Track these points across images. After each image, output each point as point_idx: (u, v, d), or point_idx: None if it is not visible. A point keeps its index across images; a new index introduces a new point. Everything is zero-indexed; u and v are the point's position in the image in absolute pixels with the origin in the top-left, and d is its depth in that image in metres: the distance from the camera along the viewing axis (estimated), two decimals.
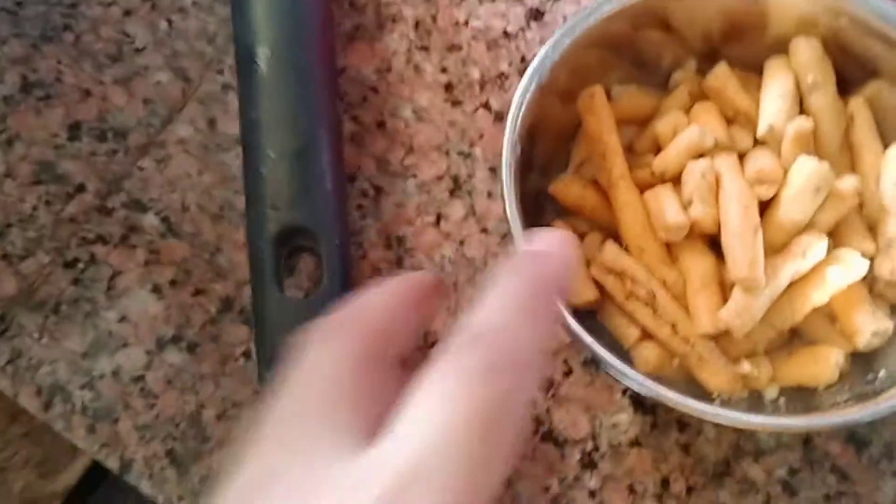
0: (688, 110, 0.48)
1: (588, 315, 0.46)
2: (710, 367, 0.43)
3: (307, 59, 0.48)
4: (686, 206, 0.44)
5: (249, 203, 0.47)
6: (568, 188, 0.47)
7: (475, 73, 0.54)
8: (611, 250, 0.45)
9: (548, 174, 0.47)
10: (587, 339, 0.38)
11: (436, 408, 0.24)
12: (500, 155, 0.41)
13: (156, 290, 0.49)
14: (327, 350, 0.28)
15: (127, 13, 0.55)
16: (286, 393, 0.27)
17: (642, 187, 0.46)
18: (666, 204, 0.44)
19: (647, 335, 0.45)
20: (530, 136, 0.44)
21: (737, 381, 0.44)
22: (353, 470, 0.24)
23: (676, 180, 0.46)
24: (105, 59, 0.54)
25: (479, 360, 0.25)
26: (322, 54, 0.49)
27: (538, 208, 0.46)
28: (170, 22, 0.55)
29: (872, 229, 0.46)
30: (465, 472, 0.23)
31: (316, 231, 0.46)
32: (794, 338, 0.46)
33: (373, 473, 0.23)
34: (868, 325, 0.44)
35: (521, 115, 0.42)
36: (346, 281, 0.46)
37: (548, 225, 0.46)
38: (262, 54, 0.48)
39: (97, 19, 0.55)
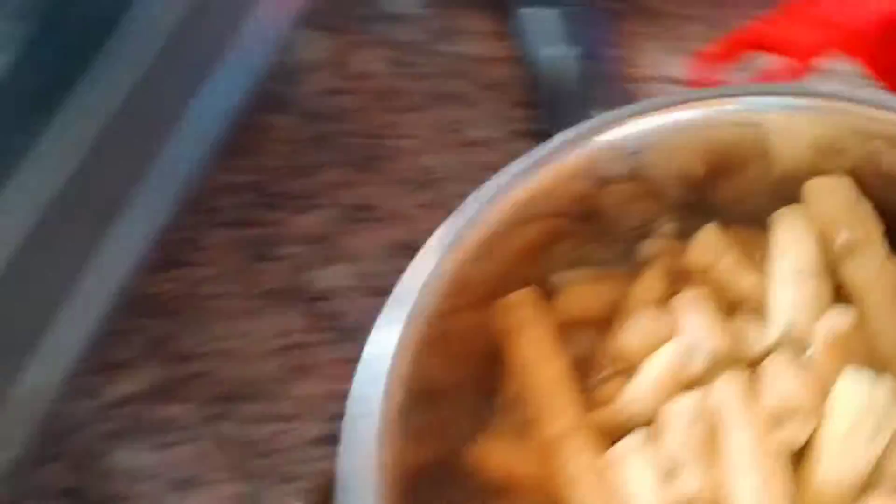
0: (665, 300, 0.32)
1: None
2: None
3: None
4: (669, 474, 0.28)
5: None
6: (489, 455, 0.31)
7: None
8: None
9: (457, 432, 0.31)
10: None
11: None
12: None
13: None
14: None
15: None
16: None
17: (608, 436, 0.30)
18: (633, 477, 0.28)
19: None
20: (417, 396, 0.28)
21: None
22: None
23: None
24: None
25: None
26: None
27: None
28: None
29: None
30: None
31: None
32: None
33: None
34: None
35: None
36: None
37: None
38: None
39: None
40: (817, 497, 0.28)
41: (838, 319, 0.29)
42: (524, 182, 0.31)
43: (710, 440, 0.28)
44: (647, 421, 0.30)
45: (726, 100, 0.33)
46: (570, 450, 0.29)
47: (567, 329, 0.32)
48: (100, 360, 0.39)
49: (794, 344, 0.29)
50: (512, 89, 0.52)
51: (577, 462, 0.29)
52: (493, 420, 0.32)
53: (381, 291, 0.29)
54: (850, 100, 0.32)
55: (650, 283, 0.33)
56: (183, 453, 0.40)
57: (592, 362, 0.33)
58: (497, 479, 0.31)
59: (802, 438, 0.28)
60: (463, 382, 0.31)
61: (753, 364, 0.30)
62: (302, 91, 0.52)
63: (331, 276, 0.46)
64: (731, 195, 0.33)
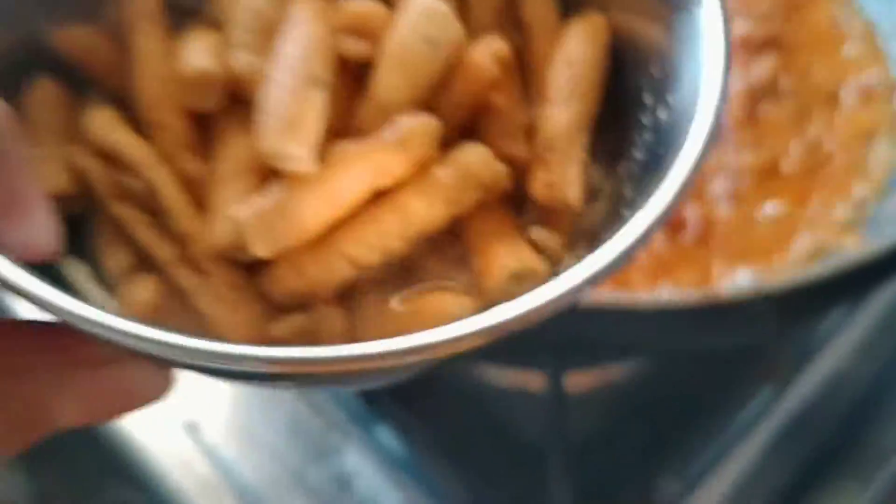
0: None
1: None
2: (227, 308, 0.27)
3: None
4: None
5: None
6: (71, 37, 0.30)
7: None
8: (102, 119, 0.28)
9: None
10: None
11: None
12: None
13: None
14: None
15: None
16: None
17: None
18: (190, 47, 0.27)
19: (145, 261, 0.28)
20: None
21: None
22: None
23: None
24: None
25: None
26: None
27: None
28: None
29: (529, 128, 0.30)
30: None
31: None
32: (407, 275, 0.30)
33: None
34: (505, 264, 0.28)
35: None
36: None
37: None
38: None
39: None
40: (369, 107, 0.28)
41: None
42: None
43: (270, 30, 0.28)
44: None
45: None
46: (143, 31, 0.29)
47: None
48: None
49: None
50: None
51: (148, 41, 0.29)
52: None
53: None
54: None
55: None
56: None
57: None
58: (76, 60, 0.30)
59: (363, 50, 0.29)
60: None
61: None
62: None
63: None
64: None
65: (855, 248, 0.69)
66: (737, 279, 0.69)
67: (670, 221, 0.70)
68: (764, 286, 0.55)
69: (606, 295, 0.57)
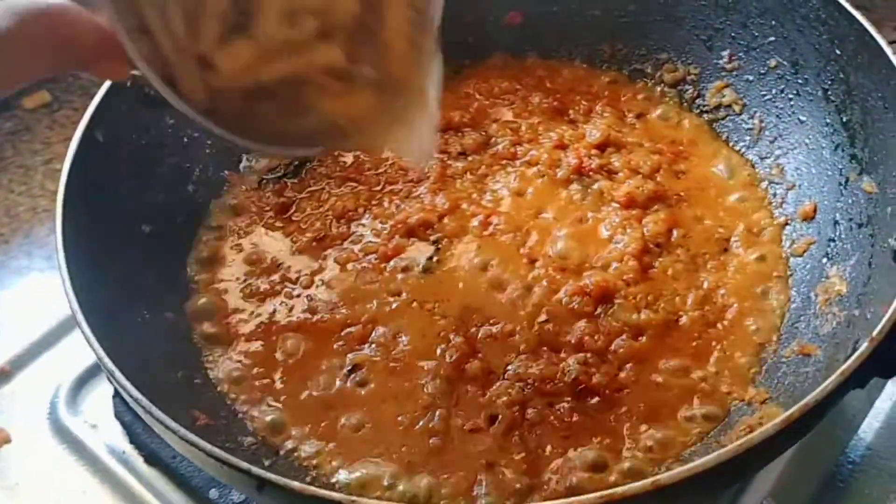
0: None
1: None
2: None
3: None
4: None
5: None
6: None
7: None
8: None
9: None
10: None
11: None
12: None
13: None
14: None
15: None
16: None
17: None
18: None
19: None
20: None
21: None
22: None
23: None
24: None
25: None
26: None
27: None
28: None
29: None
30: None
31: None
32: None
33: None
34: None
35: None
36: None
37: None
38: None
39: None
40: None
41: None
42: None
43: None
44: None
45: None
46: None
47: None
48: None
49: None
50: None
51: None
52: None
53: None
54: None
55: None
56: None
57: None
58: None
59: None
60: None
61: None
62: None
63: None
64: None
65: (758, 400, 0.71)
66: (644, 441, 0.70)
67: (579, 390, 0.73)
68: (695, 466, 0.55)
69: None
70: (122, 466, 0.84)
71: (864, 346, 0.57)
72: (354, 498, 0.52)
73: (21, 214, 1.06)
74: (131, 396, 0.59)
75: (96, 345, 0.63)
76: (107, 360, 0.61)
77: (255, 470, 0.54)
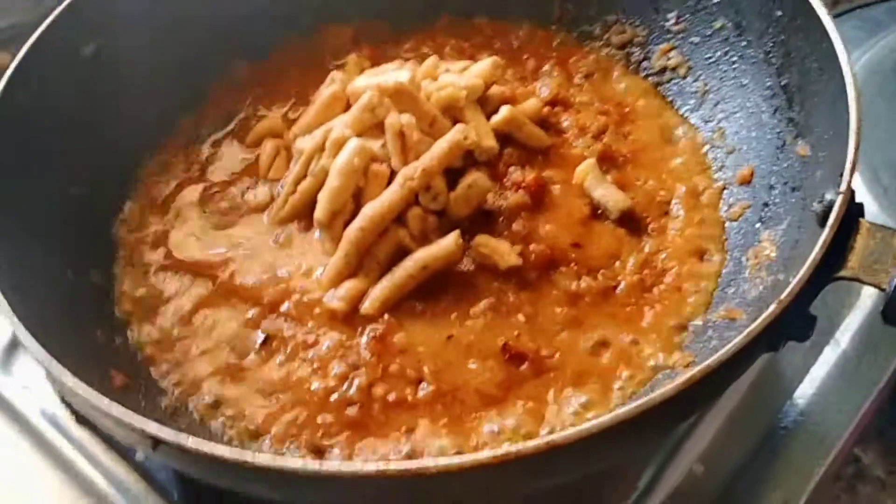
0: None
1: None
2: None
3: None
4: None
5: None
6: None
7: None
8: None
9: None
10: None
11: None
12: None
13: None
14: None
15: None
16: None
17: None
18: None
19: None
20: None
21: None
22: None
23: None
24: None
25: None
26: None
27: None
28: None
29: None
30: None
31: None
32: None
33: None
34: None
35: None
36: None
37: None
38: None
39: None
40: None
41: None
42: None
43: None
44: None
45: None
46: None
47: None
48: None
49: None
50: None
51: None
52: None
53: None
54: None
55: None
56: None
57: None
58: None
59: None
60: None
61: None
62: None
63: None
64: None
65: (682, 364, 0.70)
66: (569, 406, 0.69)
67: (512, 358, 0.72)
68: (591, 426, 0.54)
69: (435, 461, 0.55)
70: (52, 428, 0.83)
71: (772, 307, 0.55)
72: (247, 456, 0.51)
73: None
74: (31, 351, 0.58)
75: (12, 316, 0.61)
76: (7, 308, 0.60)
77: (149, 428, 0.53)
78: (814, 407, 0.80)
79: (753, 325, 0.55)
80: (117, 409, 0.54)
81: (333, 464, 0.52)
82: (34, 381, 0.86)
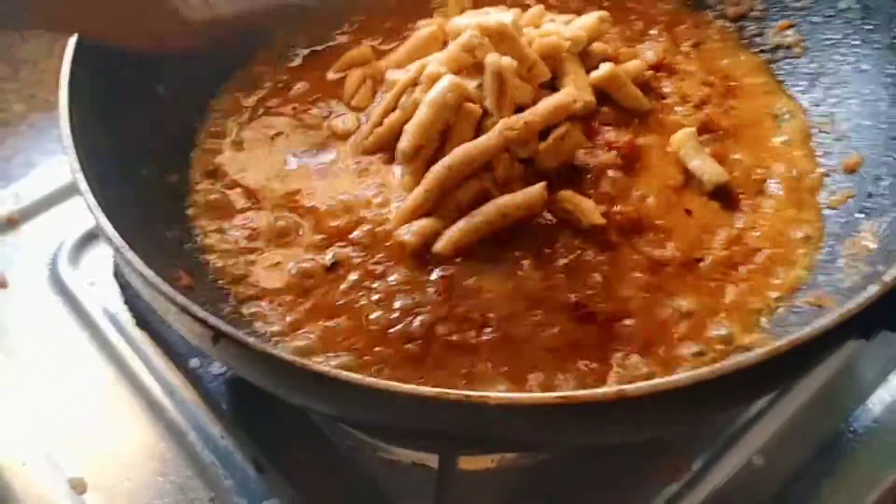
0: None
1: None
2: None
3: None
4: None
5: None
6: None
7: None
8: None
9: None
10: None
11: None
12: None
13: None
14: None
15: None
16: None
17: None
18: None
19: None
20: None
21: None
22: None
23: None
24: None
25: None
26: None
27: None
28: None
29: None
30: None
31: None
32: None
33: None
34: None
35: None
36: None
37: None
38: None
39: None
40: None
41: None
42: None
43: None
44: None
45: None
46: None
47: None
48: None
49: None
50: None
51: None
52: None
53: None
54: None
55: None
56: None
57: None
58: None
59: None
60: None
61: None
62: None
63: None
64: None
65: (759, 345, 0.67)
66: (633, 368, 0.67)
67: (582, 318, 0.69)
68: (661, 382, 0.52)
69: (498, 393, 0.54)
70: (112, 327, 0.84)
71: (874, 289, 0.52)
72: (305, 361, 0.50)
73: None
74: (107, 235, 0.58)
75: (84, 184, 0.61)
76: (90, 195, 0.60)
77: (213, 320, 0.52)
78: (890, 415, 0.76)
79: (850, 304, 0.51)
80: (182, 298, 0.54)
81: (390, 383, 0.50)
82: (101, 278, 0.87)
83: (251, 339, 0.51)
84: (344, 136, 0.83)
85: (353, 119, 0.84)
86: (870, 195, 0.73)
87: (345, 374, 0.50)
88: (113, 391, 0.80)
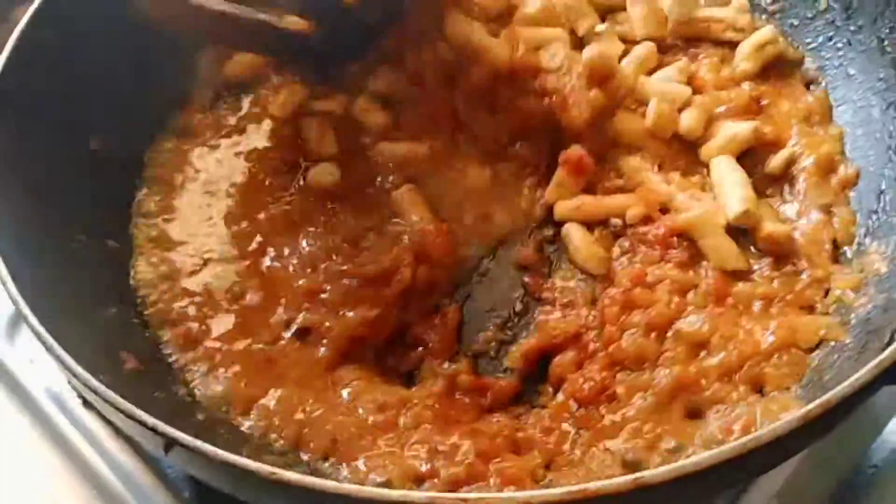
0: None
1: None
2: None
3: None
4: None
5: None
6: None
7: None
8: None
9: None
10: None
11: None
12: None
13: None
14: None
15: None
16: None
17: None
18: None
19: None
20: None
21: None
22: None
23: None
24: None
25: None
26: None
27: None
28: None
29: None
30: None
31: None
32: None
33: None
34: None
35: None
36: None
37: None
38: None
39: None
40: None
41: None
42: None
43: None
44: None
45: None
46: None
47: None
48: None
49: None
50: None
51: None
52: None
53: None
54: None
55: None
56: None
57: None
58: None
59: None
60: None
61: None
62: None
63: None
64: None
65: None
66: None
67: None
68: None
69: None
70: (56, 407, 0.76)
71: None
72: (274, 470, 0.43)
73: None
74: (32, 328, 0.50)
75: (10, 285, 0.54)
76: (6, 276, 0.52)
77: (162, 427, 0.45)
78: None
79: (886, 353, 0.46)
80: (126, 404, 0.46)
81: (354, 486, 0.44)
82: (40, 356, 0.79)
83: (208, 447, 0.44)
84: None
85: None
86: (873, 212, 0.67)
87: (308, 479, 0.43)
88: (61, 480, 0.72)
